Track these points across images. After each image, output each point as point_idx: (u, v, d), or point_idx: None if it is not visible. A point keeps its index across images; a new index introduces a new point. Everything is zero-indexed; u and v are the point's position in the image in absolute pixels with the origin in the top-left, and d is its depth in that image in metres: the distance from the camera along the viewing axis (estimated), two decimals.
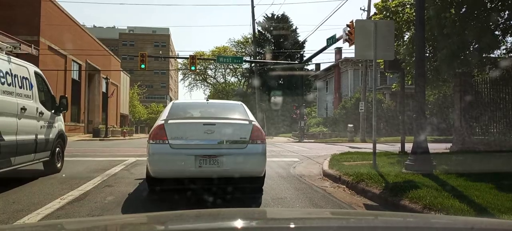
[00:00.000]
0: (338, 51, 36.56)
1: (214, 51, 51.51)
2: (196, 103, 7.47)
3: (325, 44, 23.25)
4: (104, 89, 45.33)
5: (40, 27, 28.13)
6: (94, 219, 3.29)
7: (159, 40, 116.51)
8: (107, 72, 45.28)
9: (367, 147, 18.77)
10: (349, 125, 26.11)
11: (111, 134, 36.17)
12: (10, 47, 6.92)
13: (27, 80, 6.82)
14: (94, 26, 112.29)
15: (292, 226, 1.85)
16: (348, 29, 19.63)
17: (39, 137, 6.97)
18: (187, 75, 53.71)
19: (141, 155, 12.32)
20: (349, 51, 39.55)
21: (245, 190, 5.93)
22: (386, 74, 12.40)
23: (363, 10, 24.61)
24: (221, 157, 5.41)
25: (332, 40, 22.52)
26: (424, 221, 2.18)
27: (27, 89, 6.76)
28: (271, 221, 2.06)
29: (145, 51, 28.49)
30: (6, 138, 5.86)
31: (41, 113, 7.15)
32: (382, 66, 11.64)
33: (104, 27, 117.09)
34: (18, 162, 6.32)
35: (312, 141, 26.52)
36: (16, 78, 6.41)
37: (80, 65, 36.74)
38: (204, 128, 5.56)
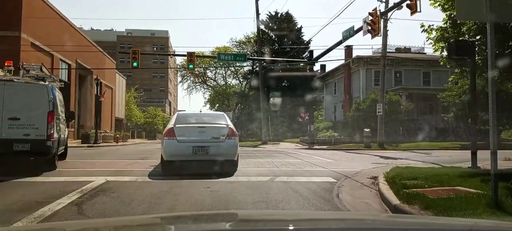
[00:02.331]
0: (348, 49, 33.83)
1: (214, 51, 48.78)
2: (193, 113, 11.40)
3: (331, 44, 20.52)
4: (97, 92, 42.60)
5: (21, 22, 25.38)
6: (93, 221, 3.35)
7: (157, 42, 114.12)
8: (100, 73, 42.58)
9: (396, 155, 16.07)
10: (366, 129, 23.34)
11: (103, 139, 33.40)
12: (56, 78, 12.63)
13: (61, 102, 11.19)
14: (92, 29, 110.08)
15: (291, 228, 1.89)
16: (371, 18, 16.90)
17: (63, 136, 11.04)
18: (185, 77, 51.01)
19: (121, 170, 9.52)
20: (361, 48, 36.86)
21: (223, 168, 8.88)
22: (442, 63, 9.39)
23: (381, 1, 22.08)
24: (209, 147, 8.88)
25: (349, 33, 19.78)
26: (424, 223, 2.15)
27: (62, 107, 11.27)
28: (270, 223, 2.06)
29: (138, 48, 25.83)
30: (61, 135, 10.67)
31: (64, 120, 11.47)
32: (439, 51, 8.84)
33: (102, 30, 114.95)
34: (60, 150, 10.73)
35: (325, 147, 23.74)
36: (61, 102, 11.04)
37: (69, 65, 34.01)
38: (198, 129, 9.13)
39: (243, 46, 46.63)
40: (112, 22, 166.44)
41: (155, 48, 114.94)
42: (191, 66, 23.96)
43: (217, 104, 61.53)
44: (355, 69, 33.11)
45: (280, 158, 13.55)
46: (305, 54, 46.44)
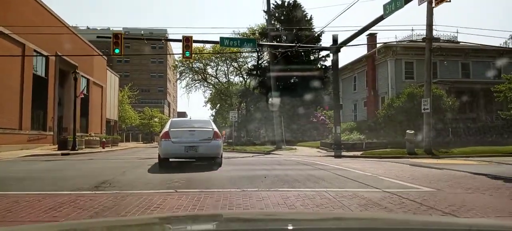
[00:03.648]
0: (371, 38, 28.98)
1: (216, 46, 43.96)
2: (184, 120, 14.16)
3: (345, 36, 15.67)
4: (83, 89, 37.82)
5: None
6: (93, 221, 3.23)
7: (156, 42, 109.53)
8: (88, 69, 37.82)
9: (460, 168, 11.28)
10: (409, 131, 18.46)
11: (87, 144, 28.59)
12: None
13: None
14: (88, 28, 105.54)
15: (290, 228, 1.87)
16: None
17: None
18: (184, 74, 46.05)
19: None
20: (385, 29, 31.71)
21: (210, 162, 11.04)
22: None
23: None
24: (197, 147, 10.73)
25: (395, 4, 14.90)
26: (424, 222, 2.12)
27: None
28: (270, 223, 2.04)
29: (119, 31, 21.15)
30: None
31: None
32: None
33: (98, 28, 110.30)
34: None
35: (358, 154, 18.88)
36: None
37: (47, 59, 29.20)
38: (189, 132, 11.00)
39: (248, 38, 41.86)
40: (111, 21, 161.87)
41: (155, 46, 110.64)
42: (187, 53, 19.12)
43: (219, 104, 56.68)
44: (382, 60, 28.19)
45: (308, 171, 8.87)
46: (313, 51, 41.70)
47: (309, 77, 38.34)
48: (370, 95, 29.01)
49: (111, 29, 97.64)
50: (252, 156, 19.22)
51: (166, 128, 11.28)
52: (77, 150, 23.26)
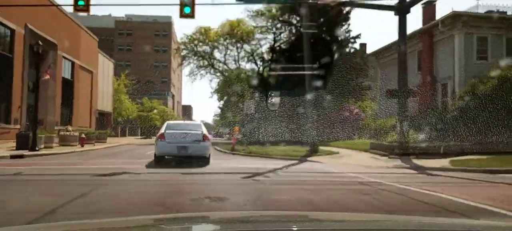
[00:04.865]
0: (429, 7, 22.36)
1: (225, 24, 37.39)
2: (178, 123, 15.91)
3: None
4: (66, 75, 31.62)
5: None
6: (93, 222, 3.12)
7: (160, 28, 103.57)
8: (72, 50, 31.57)
9: None
10: None
11: (62, 141, 22.43)
12: None
13: None
14: (88, 14, 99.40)
15: (294, 228, 1.86)
16: None
17: None
18: (187, 59, 39.45)
19: None
20: None
21: (199, 160, 12.41)
22: None
23: None
24: (188, 147, 12.34)
25: None
26: (424, 223, 2.16)
27: None
28: (275, 224, 2.04)
29: None
30: None
31: None
32: None
33: (99, 15, 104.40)
34: None
35: (446, 164, 12.43)
36: None
37: (12, 31, 22.95)
38: (182, 134, 12.74)
39: (262, 17, 35.28)
40: (110, 7, 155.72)
41: (158, 34, 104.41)
42: (187, 9, 12.67)
43: (225, 97, 50.06)
44: (445, 35, 21.46)
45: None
46: (345, 26, 35.03)
47: (336, 63, 31.88)
48: (425, 82, 22.39)
49: (111, 15, 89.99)
50: (286, 167, 12.85)
51: (162, 130, 13.20)
52: (37, 150, 17.00)
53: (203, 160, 12.44)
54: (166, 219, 2.37)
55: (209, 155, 12.95)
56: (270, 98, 32.82)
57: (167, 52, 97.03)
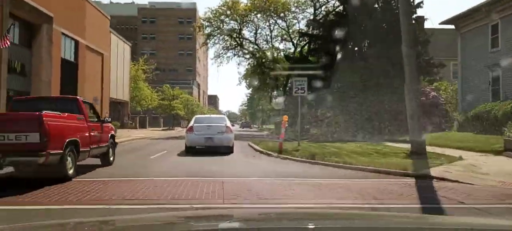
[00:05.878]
0: None
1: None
2: (205, 117, 19.74)
3: None
4: (66, 55, 26.59)
5: None
6: (92, 220, 2.93)
7: (184, 15, 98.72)
8: (75, 26, 26.53)
9: None
10: None
11: None
12: None
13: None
14: (111, 2, 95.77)
15: (310, 226, 1.83)
16: None
17: None
18: (212, 38, 33.62)
19: None
20: None
21: (224, 151, 13.69)
22: None
23: None
24: (214, 138, 13.92)
25: None
26: (423, 221, 2.12)
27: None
28: (291, 222, 2.03)
29: None
30: None
31: None
32: None
33: (122, 3, 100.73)
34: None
35: None
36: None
37: None
38: (208, 127, 14.38)
39: None
40: None
41: (182, 21, 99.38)
42: None
43: (257, 83, 44.00)
44: None
45: None
46: None
47: (394, 38, 25.33)
48: None
49: (135, 3, 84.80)
50: (407, 198, 6.71)
51: (191, 123, 15.07)
52: None
53: (226, 149, 13.87)
54: (185, 216, 2.32)
55: (233, 144, 14.52)
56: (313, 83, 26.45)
57: (192, 39, 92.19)
